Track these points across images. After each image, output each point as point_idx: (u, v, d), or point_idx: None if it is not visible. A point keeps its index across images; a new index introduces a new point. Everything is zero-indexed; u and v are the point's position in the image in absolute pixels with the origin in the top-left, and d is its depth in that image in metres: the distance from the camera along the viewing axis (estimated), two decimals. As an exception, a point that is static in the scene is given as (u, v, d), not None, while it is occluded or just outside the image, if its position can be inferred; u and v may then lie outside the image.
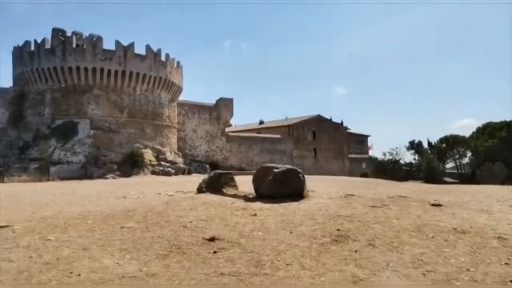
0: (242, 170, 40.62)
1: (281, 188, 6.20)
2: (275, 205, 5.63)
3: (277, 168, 6.28)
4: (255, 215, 5.10)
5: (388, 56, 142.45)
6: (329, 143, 50.10)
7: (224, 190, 8.61)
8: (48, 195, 10.97)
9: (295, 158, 46.00)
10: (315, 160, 48.11)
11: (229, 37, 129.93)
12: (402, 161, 61.64)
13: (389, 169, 51.53)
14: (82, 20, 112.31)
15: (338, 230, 4.27)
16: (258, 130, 50.01)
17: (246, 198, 6.61)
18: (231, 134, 43.07)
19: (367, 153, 68.34)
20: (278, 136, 45.72)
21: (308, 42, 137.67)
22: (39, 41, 29.53)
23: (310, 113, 51.93)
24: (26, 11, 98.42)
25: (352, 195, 6.86)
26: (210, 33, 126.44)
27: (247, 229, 4.44)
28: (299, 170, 6.43)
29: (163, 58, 32.53)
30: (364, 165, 54.03)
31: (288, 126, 47.11)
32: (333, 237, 3.96)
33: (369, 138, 73.42)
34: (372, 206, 5.64)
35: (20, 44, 30.64)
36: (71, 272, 3.06)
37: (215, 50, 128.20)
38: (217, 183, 8.76)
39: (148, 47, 31.52)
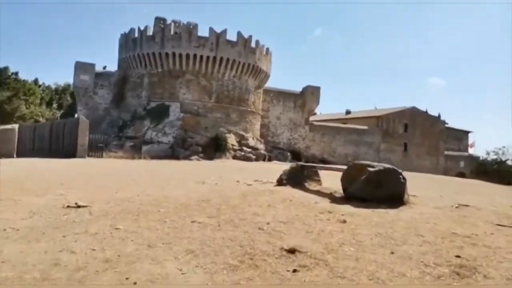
0: (323, 161, 39.37)
1: (376, 190, 5.21)
2: (369, 211, 4.71)
3: (372, 166, 5.30)
4: (344, 221, 4.26)
5: (491, 46, 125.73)
6: (422, 137, 45.84)
7: (306, 185, 7.85)
8: (135, 174, 11.34)
9: (382, 152, 43.07)
10: (405, 155, 44.46)
11: (321, 25, 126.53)
12: (510, 162, 54.13)
13: (492, 171, 45.46)
14: (182, 9, 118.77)
15: (458, 257, 3.23)
16: (344, 120, 47.77)
17: (332, 198, 5.77)
18: (315, 123, 41.74)
19: (467, 150, 61.37)
20: (365, 127, 43.09)
21: (402, 32, 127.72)
22: (142, 28, 31.49)
23: (402, 105, 48.02)
24: (133, 1, 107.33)
25: (466, 205, 5.55)
26: (301, 21, 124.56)
27: (335, 240, 3.64)
28: (400, 171, 5.36)
29: (253, 44, 32.46)
30: (462, 164, 48.48)
31: (378, 117, 44.11)
32: (452, 268, 2.97)
33: (470, 135, 65.77)
34: (499, 225, 4.37)
35: (127, 32, 33.03)
36: (127, 278, 2.65)
37: (305, 38, 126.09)
38: (299, 176, 8.02)
39: (239, 34, 31.68)
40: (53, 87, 48.25)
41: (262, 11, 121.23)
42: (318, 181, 8.05)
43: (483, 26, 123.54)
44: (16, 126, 20.36)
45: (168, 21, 32.67)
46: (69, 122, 21.90)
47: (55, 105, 48.40)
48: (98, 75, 33.19)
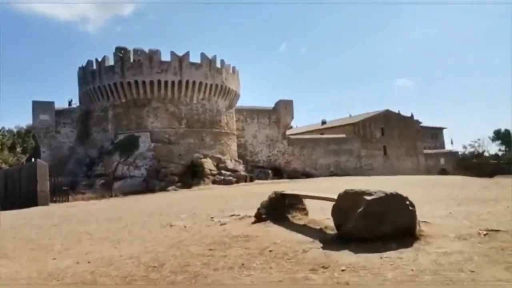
0: (306, 174, 38.38)
1: (379, 225, 4.01)
2: (376, 259, 3.48)
3: (369, 193, 4.11)
4: (347, 284, 3.02)
5: (452, 46, 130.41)
6: (400, 139, 45.76)
7: (290, 217, 6.59)
8: (91, 223, 9.79)
9: (363, 158, 42.59)
10: (386, 159, 44.12)
11: (285, 40, 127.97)
12: (486, 154, 54.87)
13: (473, 164, 45.72)
14: (144, 37, 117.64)
15: None
16: (321, 131, 47.25)
17: (324, 239, 4.52)
18: (292, 137, 40.92)
19: (444, 147, 62.03)
20: (343, 135, 42.60)
21: (363, 37, 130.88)
22: (99, 60, 30.03)
23: (375, 109, 47.97)
24: (98, 34, 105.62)
25: (495, 230, 4.39)
26: (265, 38, 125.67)
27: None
28: (405, 196, 4.19)
29: (218, 64, 31.58)
30: (442, 161, 48.60)
31: (353, 124, 43.76)
32: None
33: (444, 131, 66.77)
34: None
35: (84, 64, 31.46)
36: None
37: (271, 54, 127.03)
38: (280, 207, 6.76)
39: (202, 55, 30.73)
40: (15, 130, 45.62)
41: (224, 31, 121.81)
42: (303, 210, 6.81)
43: (441, 23, 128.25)
44: (-37, 179, 18.29)
45: (130, 51, 31.35)
46: (25, 168, 20.01)
47: (19, 149, 45.61)
48: (59, 112, 31.34)
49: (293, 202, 6.75)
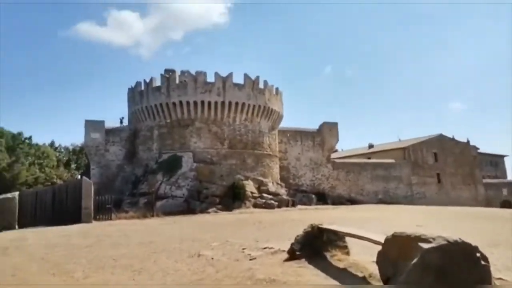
0: (351, 201, 36.56)
1: (440, 283, 3.12)
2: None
3: (426, 240, 3.23)
4: None
5: (507, 66, 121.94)
6: (455, 166, 42.57)
7: (328, 256, 5.74)
8: (121, 247, 9.47)
9: (414, 186, 39.97)
10: (439, 187, 41.08)
11: (330, 63, 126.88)
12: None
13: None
14: (192, 60, 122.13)
15: None
16: (367, 155, 45.23)
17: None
18: (337, 160, 39.43)
19: (505, 176, 57.03)
20: (392, 160, 40.38)
21: (414, 59, 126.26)
22: (147, 80, 31.04)
23: (426, 134, 45.22)
24: (150, 57, 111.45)
25: None
26: (309, 60, 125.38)
27: None
28: (474, 245, 3.26)
29: (261, 85, 31.42)
30: (505, 192, 44.37)
31: (403, 148, 41.41)
32: None
33: (506, 159, 61.52)
34: None
35: (133, 86, 32.68)
36: None
37: (316, 76, 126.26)
38: (316, 243, 5.94)
39: (246, 76, 30.78)
40: (71, 147, 48.23)
41: (269, 53, 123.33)
42: (344, 248, 5.92)
43: (494, 44, 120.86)
44: (16, 194, 19.13)
45: (178, 72, 32.16)
46: (71, 185, 20.61)
47: (73, 166, 48.13)
48: (109, 131, 32.53)
49: (332, 238, 5.89)
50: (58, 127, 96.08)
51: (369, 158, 43.33)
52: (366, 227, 12.11)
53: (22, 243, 11.88)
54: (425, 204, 34.66)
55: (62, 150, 46.54)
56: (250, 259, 6.49)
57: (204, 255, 7.64)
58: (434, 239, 3.32)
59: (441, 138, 43.46)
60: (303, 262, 5.56)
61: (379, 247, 4.05)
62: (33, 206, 19.34)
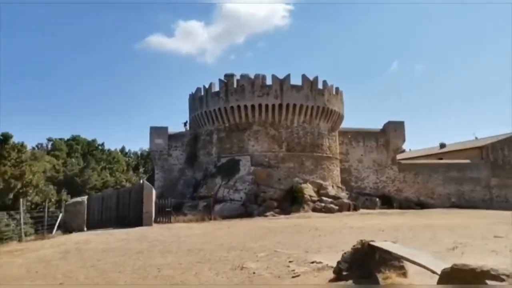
0: (420, 204, 33.88)
1: None
2: None
3: (497, 277, 2.42)
4: None
5: None
6: (544, 166, 37.52)
7: (380, 278, 4.95)
8: (170, 254, 9.41)
9: (493, 188, 36.04)
10: (525, 190, 36.48)
11: (397, 58, 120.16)
12: None
13: None
14: (255, 64, 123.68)
15: None
16: (438, 155, 41.75)
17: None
18: (404, 162, 36.90)
19: None
20: (467, 161, 36.79)
21: (488, 51, 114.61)
22: (206, 86, 31.63)
23: (506, 131, 40.49)
24: (214, 63, 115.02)
25: None
26: (374, 56, 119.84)
27: None
28: None
29: (320, 86, 30.43)
30: None
31: (481, 148, 37.52)
32: None
33: None
34: None
35: (193, 92, 33.56)
36: None
37: (381, 73, 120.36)
38: (367, 262, 5.18)
39: (304, 77, 30.03)
40: (139, 152, 51.12)
41: (331, 54, 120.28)
42: (400, 269, 5.07)
43: None
44: (85, 198, 20.43)
45: (237, 77, 32.30)
46: (134, 189, 21.53)
47: (141, 170, 50.91)
48: (172, 137, 33.73)
49: (386, 257, 5.09)
50: (129, 134, 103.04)
51: (440, 159, 39.97)
52: (434, 239, 10.83)
53: (84, 246, 12.46)
54: (506, 209, 30.95)
55: (132, 155, 49.47)
56: (293, 276, 5.92)
57: (247, 268, 7.21)
58: (508, 276, 2.50)
59: (526, 135, 38.67)
60: (350, 285, 4.86)
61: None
62: (100, 210, 20.48)
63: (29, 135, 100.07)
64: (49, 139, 37.81)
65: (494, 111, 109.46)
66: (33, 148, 34.96)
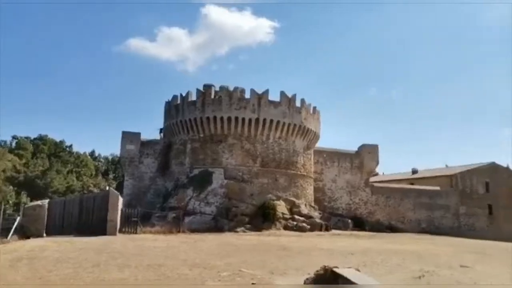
0: (391, 228, 34.13)
1: None
2: None
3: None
4: None
5: None
6: (510, 197, 38.81)
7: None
8: (128, 269, 8.79)
9: (462, 216, 36.90)
10: (491, 219, 37.61)
11: (374, 83, 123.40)
12: None
13: None
14: (235, 76, 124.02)
15: None
16: (410, 181, 42.57)
17: None
18: (376, 184, 37.31)
19: None
20: (437, 188, 37.59)
21: (464, 79, 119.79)
22: (184, 95, 31.09)
23: (477, 161, 41.82)
24: (195, 72, 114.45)
25: None
26: (354, 82, 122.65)
27: None
28: None
29: (298, 103, 30.49)
30: None
31: (451, 176, 38.51)
32: None
33: None
34: None
35: (170, 99, 32.92)
36: None
37: (358, 97, 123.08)
38: (332, 291, 4.85)
39: (282, 93, 30.02)
40: (110, 158, 49.60)
41: (312, 74, 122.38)
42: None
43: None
44: (46, 202, 19.34)
45: (216, 88, 31.92)
46: (99, 195, 20.60)
47: (111, 176, 49.32)
48: (144, 143, 32.82)
49: (348, 285, 4.77)
50: (100, 138, 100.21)
51: (412, 184, 40.71)
52: (402, 266, 10.67)
53: (38, 254, 11.63)
54: (474, 237, 31.62)
55: (102, 159, 47.92)
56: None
57: (209, 285, 6.73)
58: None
59: (494, 167, 40.04)
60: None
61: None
62: (61, 215, 19.43)
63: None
64: (13, 137, 36.10)
65: (466, 139, 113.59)
66: (-4, 146, 33.25)
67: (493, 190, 38.39)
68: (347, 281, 4.61)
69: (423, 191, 36.94)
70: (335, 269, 5.00)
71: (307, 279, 5.21)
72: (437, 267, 10.52)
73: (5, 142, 36.99)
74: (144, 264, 9.71)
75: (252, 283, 7.15)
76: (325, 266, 5.17)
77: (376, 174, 46.20)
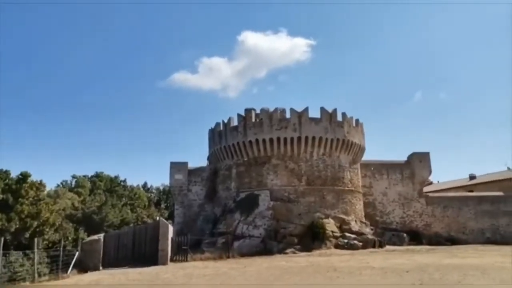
0: (451, 240, 31.88)
1: None
2: None
3: None
4: None
5: None
6: None
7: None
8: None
9: (533, 223, 33.60)
10: None
11: (419, 88, 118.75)
12: None
13: None
14: (277, 97, 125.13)
15: None
16: (468, 187, 39.86)
17: None
18: (431, 194, 35.29)
19: None
20: (501, 193, 34.78)
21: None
22: (226, 121, 31.81)
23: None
24: (237, 98, 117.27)
25: None
26: (396, 88, 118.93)
27: None
28: None
29: (339, 118, 30.04)
30: None
31: (514, 179, 35.57)
32: None
33: None
34: None
35: (213, 127, 33.78)
36: None
37: (403, 104, 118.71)
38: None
39: (322, 109, 29.79)
40: (161, 188, 51.40)
41: (352, 85, 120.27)
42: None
43: None
44: (101, 235, 20.32)
45: (257, 111, 32.31)
46: (150, 226, 21.31)
47: (163, 205, 50.97)
48: (191, 172, 33.74)
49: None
50: (152, 170, 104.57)
51: (471, 191, 38.05)
52: (463, 283, 9.89)
53: (95, 288, 12.16)
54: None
55: (154, 190, 49.75)
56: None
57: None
58: None
59: None
60: None
61: None
62: (116, 247, 20.24)
63: (55, 173, 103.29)
64: (73, 176, 38.88)
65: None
66: (58, 186, 35.82)
67: None
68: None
69: (484, 197, 34.33)
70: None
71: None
72: (504, 284, 9.63)
73: (66, 181, 40.13)
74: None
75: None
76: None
77: (430, 183, 43.92)
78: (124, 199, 36.80)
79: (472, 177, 42.84)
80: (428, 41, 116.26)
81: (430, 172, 35.11)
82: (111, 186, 36.08)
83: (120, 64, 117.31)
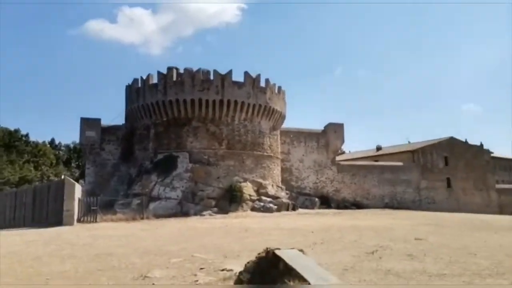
0: (356, 204, 34.97)
1: None
2: None
3: None
4: None
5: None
6: (466, 170, 40.60)
7: (283, 291, 4.42)
8: (73, 260, 8.31)
9: (423, 190, 38.21)
10: (449, 192, 39.21)
11: (340, 64, 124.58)
12: None
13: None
14: (203, 59, 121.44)
15: None
16: (375, 158, 43.54)
17: None
18: (342, 163, 37.90)
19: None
20: (400, 163, 38.67)
21: (427, 59, 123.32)
22: (144, 78, 29.92)
23: (438, 136, 43.35)
24: (160, 55, 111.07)
25: None
26: (320, 62, 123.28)
27: None
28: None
29: (262, 84, 30.08)
30: (520, 198, 42.16)
31: (412, 151, 39.67)
32: None
33: (522, 163, 58.95)
34: None
35: (130, 83, 31.62)
36: None
37: (325, 77, 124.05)
38: (271, 272, 4.65)
39: (246, 74, 29.47)
40: (72, 146, 47.61)
41: (279, 54, 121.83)
42: (304, 280, 4.58)
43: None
44: (-6, 194, 18.22)
45: (181, 70, 30.83)
46: (54, 185, 19.62)
47: (74, 164, 47.53)
48: (105, 130, 31.57)
49: (289, 269, 4.57)
50: (60, 126, 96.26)
51: (376, 161, 41.68)
52: (358, 242, 10.75)
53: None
54: (434, 210, 32.99)
55: (63, 148, 45.92)
56: (196, 283, 5.23)
57: (150, 277, 6.41)
58: None
59: (452, 141, 41.56)
60: (247, 300, 4.30)
61: None
62: (13, 207, 18.38)
63: None
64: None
65: (428, 117, 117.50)
66: None
67: (452, 164, 39.96)
68: (286, 263, 4.38)
69: (386, 167, 37.89)
70: (276, 251, 4.77)
71: (248, 262, 4.96)
72: (392, 241, 10.68)
73: None
74: (91, 254, 9.23)
75: (201, 268, 6.89)
76: (267, 248, 4.93)
77: (343, 153, 47.06)
78: (26, 155, 33.30)
79: (378, 148, 46.87)
80: (358, 19, 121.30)
81: (343, 142, 37.50)
82: (9, 141, 32.22)
83: (25, 5, 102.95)
